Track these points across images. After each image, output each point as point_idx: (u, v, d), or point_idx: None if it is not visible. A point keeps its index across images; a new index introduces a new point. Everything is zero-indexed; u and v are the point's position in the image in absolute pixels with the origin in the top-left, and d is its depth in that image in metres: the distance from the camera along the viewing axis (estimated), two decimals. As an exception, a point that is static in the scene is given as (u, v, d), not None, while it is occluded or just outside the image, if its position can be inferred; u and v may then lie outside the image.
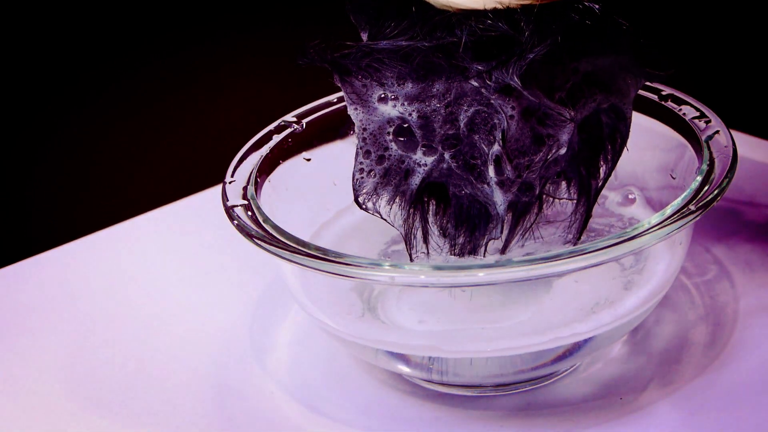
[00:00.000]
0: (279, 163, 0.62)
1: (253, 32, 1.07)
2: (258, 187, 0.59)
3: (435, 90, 0.54)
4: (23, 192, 0.99)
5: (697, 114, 0.60)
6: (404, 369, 0.56)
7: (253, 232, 0.54)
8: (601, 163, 0.56)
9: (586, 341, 0.54)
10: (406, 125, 0.54)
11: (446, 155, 0.54)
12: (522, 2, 0.53)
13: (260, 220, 0.55)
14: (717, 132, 0.58)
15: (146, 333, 0.64)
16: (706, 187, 0.54)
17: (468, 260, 0.55)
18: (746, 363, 0.57)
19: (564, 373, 0.57)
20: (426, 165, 0.54)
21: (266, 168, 0.61)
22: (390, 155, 0.55)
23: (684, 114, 0.61)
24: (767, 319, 0.60)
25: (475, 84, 0.53)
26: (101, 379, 0.61)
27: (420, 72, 0.53)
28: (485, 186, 0.53)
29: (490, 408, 0.56)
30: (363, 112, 0.55)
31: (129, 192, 1.03)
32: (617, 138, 0.56)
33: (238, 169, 0.60)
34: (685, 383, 0.56)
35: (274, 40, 1.08)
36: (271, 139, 0.63)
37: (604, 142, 0.56)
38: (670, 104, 0.62)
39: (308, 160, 0.64)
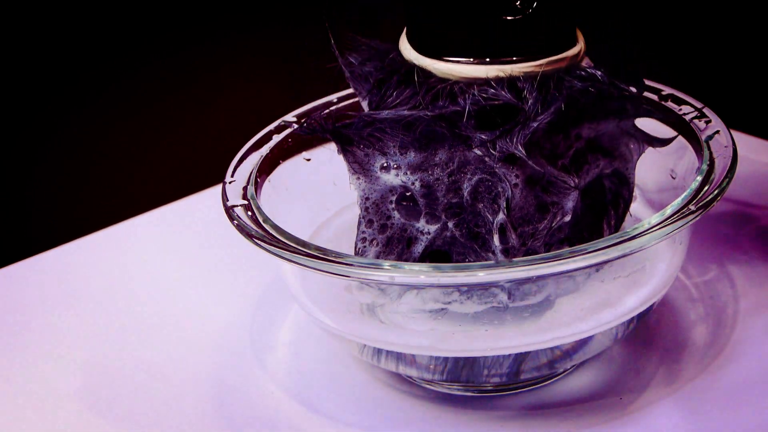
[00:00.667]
0: (279, 163, 0.62)
1: (253, 32, 1.07)
2: (258, 187, 0.59)
3: (438, 159, 0.54)
4: (23, 192, 0.99)
5: (697, 114, 0.60)
6: (405, 370, 0.56)
7: (253, 232, 0.54)
8: (605, 227, 0.56)
9: (586, 340, 0.54)
10: (408, 193, 0.55)
11: (450, 224, 0.54)
12: (524, 70, 0.53)
13: (260, 220, 0.55)
14: (717, 132, 0.58)
15: (146, 333, 0.64)
16: (706, 187, 0.54)
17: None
18: (746, 363, 0.57)
19: (564, 373, 0.57)
20: (429, 233, 0.54)
21: (266, 168, 0.61)
22: (392, 224, 0.55)
23: (684, 114, 0.61)
24: (767, 319, 0.60)
25: (479, 153, 0.53)
26: (101, 379, 0.61)
27: (422, 141, 0.54)
28: (489, 254, 0.53)
29: (490, 408, 0.56)
30: (365, 182, 0.55)
31: (129, 192, 1.03)
32: (620, 203, 0.57)
33: (238, 169, 0.60)
34: (685, 383, 0.56)
35: (274, 40, 1.08)
36: (271, 139, 0.63)
37: (607, 207, 0.56)
38: (670, 104, 0.62)
39: (308, 160, 0.64)
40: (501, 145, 0.52)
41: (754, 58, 0.87)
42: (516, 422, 0.55)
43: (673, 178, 0.61)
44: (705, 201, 0.53)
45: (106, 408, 0.59)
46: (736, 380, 0.56)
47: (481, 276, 0.50)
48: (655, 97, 0.62)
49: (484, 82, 0.53)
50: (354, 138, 0.54)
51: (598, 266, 0.53)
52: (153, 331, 0.64)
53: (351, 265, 0.51)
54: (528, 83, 0.52)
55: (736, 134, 0.59)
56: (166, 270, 0.70)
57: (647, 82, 0.64)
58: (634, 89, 0.56)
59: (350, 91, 0.66)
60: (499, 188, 0.52)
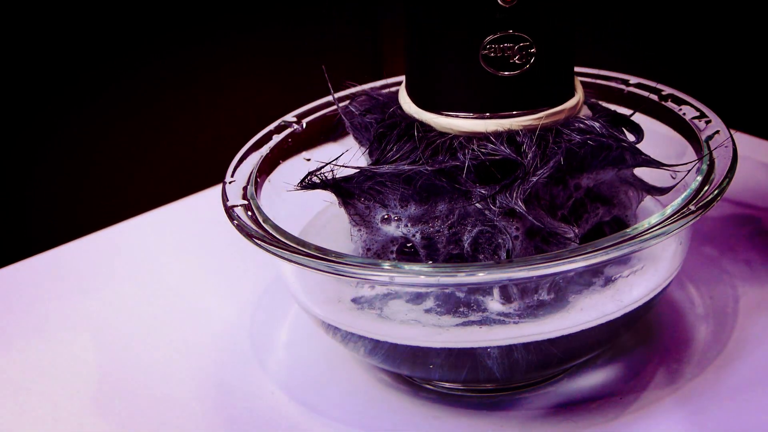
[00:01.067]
0: (279, 163, 0.62)
1: (253, 32, 1.07)
2: (258, 187, 0.59)
3: (438, 211, 0.54)
4: (23, 192, 0.99)
5: (697, 114, 0.60)
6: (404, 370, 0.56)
7: (253, 232, 0.54)
8: None
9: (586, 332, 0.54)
10: (409, 244, 0.55)
11: None
12: (523, 124, 0.54)
13: (260, 220, 0.55)
14: (717, 132, 0.58)
15: (146, 333, 0.64)
16: (706, 187, 0.54)
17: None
18: (746, 362, 0.57)
19: (564, 373, 0.57)
20: None
21: (266, 168, 0.61)
22: None
23: (684, 114, 0.61)
24: (767, 319, 0.60)
25: (479, 206, 0.53)
26: (101, 379, 0.61)
27: (423, 194, 0.54)
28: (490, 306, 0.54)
29: (490, 408, 0.56)
30: (366, 233, 0.56)
31: (129, 192, 1.03)
32: None
33: (238, 169, 0.60)
34: (685, 383, 0.56)
35: (274, 40, 1.08)
36: (271, 139, 0.63)
37: None
38: (670, 104, 0.62)
39: (308, 160, 0.64)
40: (501, 200, 0.53)
41: (754, 58, 0.87)
42: (516, 422, 0.55)
43: (673, 178, 0.61)
44: (705, 201, 0.53)
45: (105, 408, 0.59)
46: (736, 380, 0.56)
47: (482, 276, 0.50)
48: (655, 98, 0.62)
49: (484, 137, 0.54)
50: (355, 192, 0.55)
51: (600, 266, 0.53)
52: (153, 330, 0.64)
53: (351, 265, 0.51)
54: (527, 137, 0.53)
55: (736, 134, 0.59)
56: (166, 270, 0.70)
57: (647, 82, 0.64)
58: (632, 136, 0.57)
59: (350, 91, 0.66)
60: (500, 240, 0.53)
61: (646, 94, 0.63)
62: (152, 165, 1.05)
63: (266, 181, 0.60)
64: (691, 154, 0.59)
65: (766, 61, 0.87)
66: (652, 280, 0.55)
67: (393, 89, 0.61)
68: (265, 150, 0.62)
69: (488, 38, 0.53)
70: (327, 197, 0.57)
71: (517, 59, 0.54)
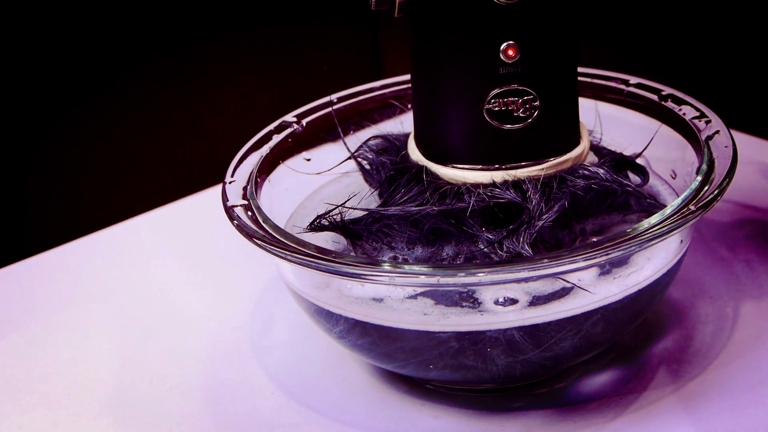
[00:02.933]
0: (279, 163, 0.62)
1: (254, 32, 1.07)
2: (258, 187, 0.59)
3: (445, 254, 0.55)
4: (23, 192, 0.99)
5: (697, 114, 0.60)
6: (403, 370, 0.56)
7: (253, 232, 0.54)
8: None
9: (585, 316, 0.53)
10: None
11: None
12: (529, 175, 0.55)
13: (260, 220, 0.55)
14: (717, 132, 0.58)
15: (146, 333, 0.64)
16: (706, 187, 0.54)
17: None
18: (746, 362, 0.57)
19: (563, 373, 0.57)
20: None
21: (266, 168, 0.61)
22: None
23: (684, 114, 0.61)
24: (767, 319, 0.60)
25: (486, 250, 0.54)
26: (101, 379, 0.61)
27: (430, 237, 0.55)
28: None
29: (490, 408, 0.56)
30: None
31: (129, 192, 1.03)
32: None
33: (238, 169, 0.60)
34: (685, 383, 0.56)
35: (274, 40, 1.08)
36: (271, 139, 0.63)
37: None
38: (670, 104, 0.62)
39: (308, 160, 0.64)
40: (508, 244, 0.53)
41: (754, 58, 0.87)
42: (516, 422, 0.55)
43: (673, 178, 0.61)
44: (705, 201, 0.53)
45: (106, 407, 0.59)
46: (736, 380, 0.56)
47: (482, 276, 0.50)
48: (655, 98, 0.62)
49: (491, 184, 0.55)
50: (363, 233, 0.56)
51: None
52: (152, 330, 0.64)
53: (351, 265, 0.51)
54: (532, 184, 0.54)
55: (736, 134, 0.59)
56: (165, 270, 0.70)
57: (647, 82, 0.64)
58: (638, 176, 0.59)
59: (350, 91, 0.66)
60: None
61: (646, 94, 0.63)
62: (152, 165, 1.05)
63: (266, 181, 0.60)
64: (691, 154, 0.59)
65: (766, 61, 0.87)
66: (651, 280, 0.55)
67: (404, 134, 0.62)
68: (265, 150, 0.62)
69: (492, 92, 0.55)
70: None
71: (522, 112, 0.55)
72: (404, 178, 0.57)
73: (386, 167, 0.59)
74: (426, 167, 0.57)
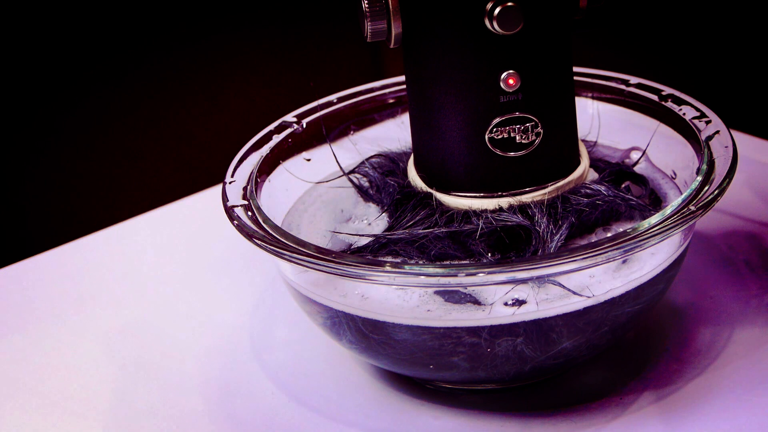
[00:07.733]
0: (279, 163, 0.62)
1: (254, 32, 1.07)
2: (258, 187, 0.59)
3: None
4: (22, 192, 0.99)
5: (697, 114, 0.60)
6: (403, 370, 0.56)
7: (253, 232, 0.54)
8: None
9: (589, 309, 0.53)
10: None
11: None
12: (533, 199, 0.55)
13: (260, 220, 0.55)
14: (717, 132, 0.58)
15: (146, 333, 0.64)
16: (706, 187, 0.54)
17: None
18: (746, 362, 0.57)
19: (564, 373, 0.57)
20: None
21: (266, 168, 0.61)
22: None
23: (684, 114, 0.61)
24: (767, 319, 0.60)
25: None
26: (101, 379, 0.61)
27: (437, 263, 0.55)
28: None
29: (490, 408, 0.56)
30: None
31: (129, 192, 1.03)
32: None
33: (238, 169, 0.60)
34: (685, 383, 0.56)
35: (274, 40, 1.08)
36: (271, 139, 0.63)
37: None
38: (670, 104, 0.62)
39: (308, 160, 0.64)
40: None
41: (754, 58, 0.87)
42: (516, 422, 0.55)
43: (673, 178, 0.61)
44: (705, 201, 0.53)
45: (105, 407, 0.59)
46: (736, 380, 0.56)
47: (482, 276, 0.50)
48: (655, 98, 0.62)
49: (497, 209, 0.55)
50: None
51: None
52: (153, 330, 0.64)
53: (351, 265, 0.51)
54: (537, 208, 0.55)
55: (736, 134, 0.59)
56: (165, 270, 0.70)
57: (647, 82, 0.64)
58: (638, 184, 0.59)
59: (350, 91, 0.66)
60: None
61: (646, 94, 0.63)
62: (152, 165, 1.05)
63: (266, 181, 0.60)
64: (691, 154, 0.59)
65: (766, 61, 0.87)
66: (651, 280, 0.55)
67: (406, 152, 0.62)
68: (265, 150, 0.62)
69: (494, 121, 0.55)
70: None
71: (524, 139, 0.55)
72: (410, 203, 0.57)
73: (391, 190, 0.58)
74: (432, 194, 0.57)
